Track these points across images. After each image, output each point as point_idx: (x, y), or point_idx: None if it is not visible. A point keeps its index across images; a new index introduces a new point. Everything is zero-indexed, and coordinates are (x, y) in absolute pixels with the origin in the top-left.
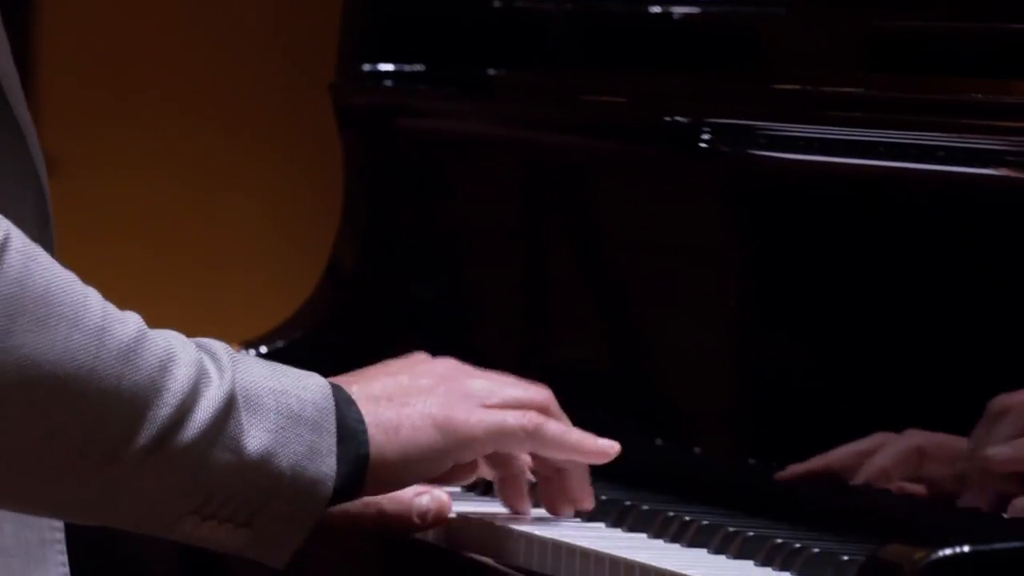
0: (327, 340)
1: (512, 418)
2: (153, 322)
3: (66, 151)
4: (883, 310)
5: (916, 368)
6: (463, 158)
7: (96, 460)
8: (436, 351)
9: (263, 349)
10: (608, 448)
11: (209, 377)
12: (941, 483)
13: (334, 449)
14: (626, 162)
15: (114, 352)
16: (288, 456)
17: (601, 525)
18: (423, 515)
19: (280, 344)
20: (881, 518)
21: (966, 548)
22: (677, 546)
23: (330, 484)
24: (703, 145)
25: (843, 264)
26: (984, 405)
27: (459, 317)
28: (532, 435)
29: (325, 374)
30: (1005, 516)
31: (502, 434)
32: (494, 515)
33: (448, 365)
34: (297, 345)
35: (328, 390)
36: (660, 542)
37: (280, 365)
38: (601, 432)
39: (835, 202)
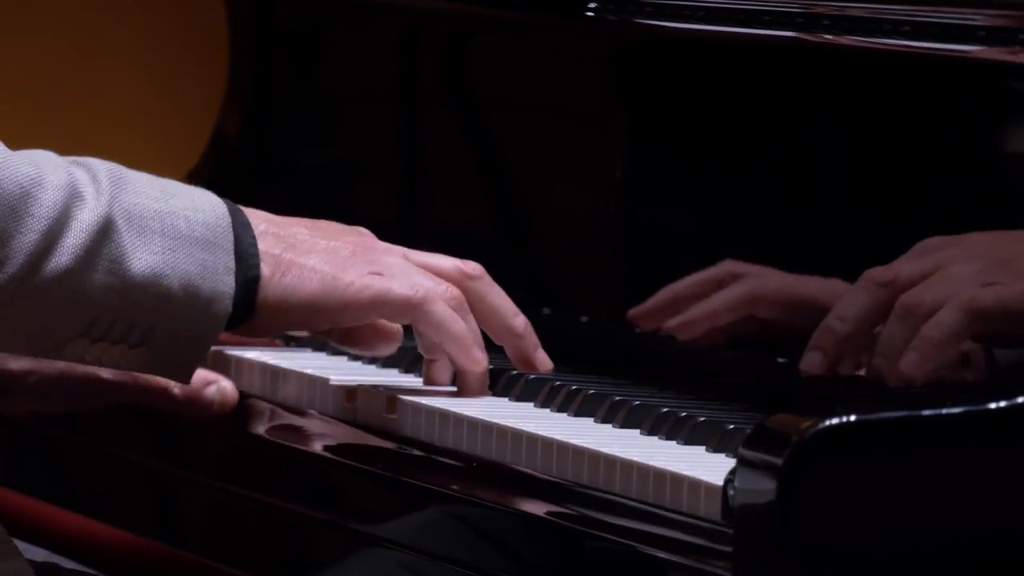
0: None
1: (398, 286)
2: None
3: None
4: (764, 176)
5: (795, 236)
6: (347, 23)
7: None
8: (318, 217)
9: None
10: (475, 364)
11: (83, 199)
12: (772, 327)
13: (232, 267)
14: (511, 29)
15: None
16: (178, 276)
17: (488, 394)
18: (209, 405)
19: None
20: (766, 387)
21: (852, 417)
22: (564, 415)
23: (228, 301)
24: (589, 13)
25: (725, 131)
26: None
27: (343, 184)
28: (414, 308)
29: None
30: (890, 385)
31: (384, 301)
32: (383, 385)
33: (370, 238)
34: None
35: (223, 209)
36: (547, 411)
37: (174, 184)
38: None
39: (719, 70)
